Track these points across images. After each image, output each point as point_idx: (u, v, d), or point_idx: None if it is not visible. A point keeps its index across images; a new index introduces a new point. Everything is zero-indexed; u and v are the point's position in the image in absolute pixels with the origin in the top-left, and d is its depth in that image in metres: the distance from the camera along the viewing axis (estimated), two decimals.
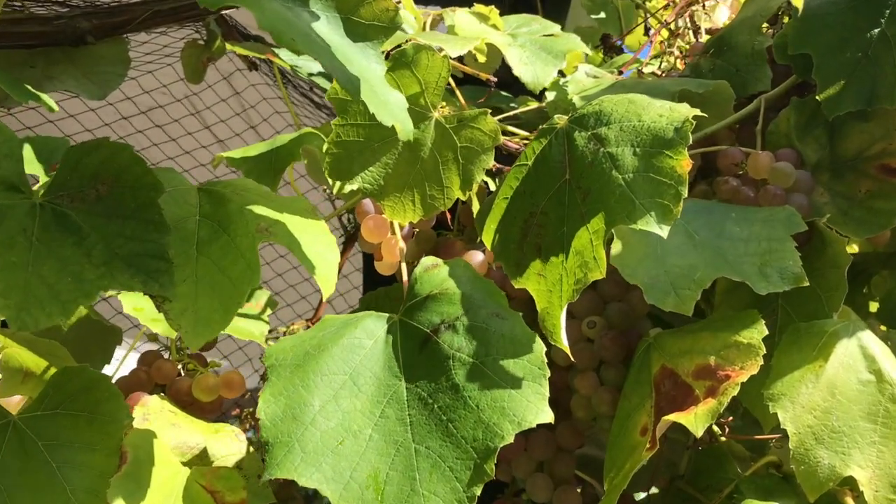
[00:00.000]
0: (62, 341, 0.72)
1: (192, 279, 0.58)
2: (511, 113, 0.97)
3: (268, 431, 0.57)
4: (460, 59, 0.93)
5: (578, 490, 0.77)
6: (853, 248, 0.92)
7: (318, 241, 0.64)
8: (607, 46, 1.25)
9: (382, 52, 0.61)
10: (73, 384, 0.61)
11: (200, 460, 0.67)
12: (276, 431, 0.57)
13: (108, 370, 0.81)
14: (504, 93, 1.11)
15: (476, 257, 0.75)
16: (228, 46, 1.01)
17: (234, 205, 0.63)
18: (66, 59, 0.95)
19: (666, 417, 0.61)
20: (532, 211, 0.66)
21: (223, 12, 1.00)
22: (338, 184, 0.72)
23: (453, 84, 0.85)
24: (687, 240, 0.69)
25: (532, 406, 0.57)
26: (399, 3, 0.92)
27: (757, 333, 0.63)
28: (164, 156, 1.76)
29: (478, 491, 0.55)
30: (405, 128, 0.59)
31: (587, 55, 1.05)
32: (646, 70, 1.06)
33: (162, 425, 0.66)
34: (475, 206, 0.81)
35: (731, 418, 0.80)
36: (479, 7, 0.96)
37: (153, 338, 0.78)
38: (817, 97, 0.77)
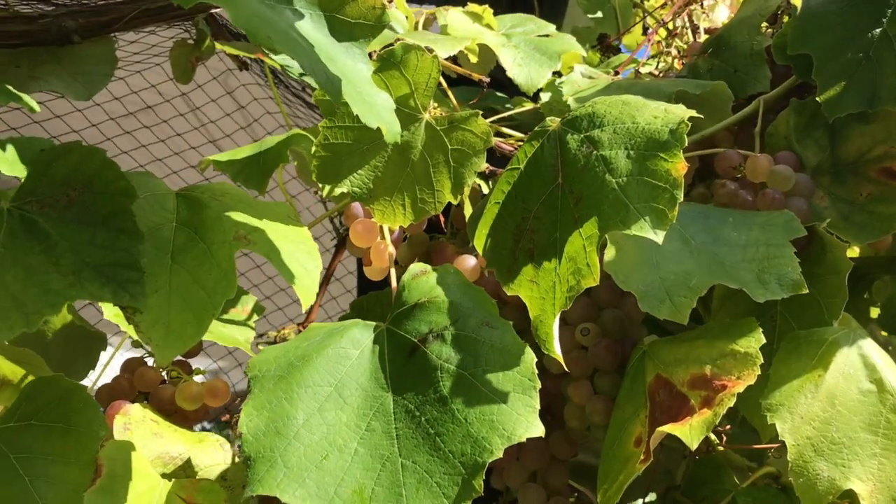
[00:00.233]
0: (46, 347, 0.70)
1: (164, 289, 0.56)
2: (506, 114, 0.95)
3: (250, 446, 0.55)
4: (454, 59, 0.91)
5: (572, 500, 0.75)
6: (854, 252, 0.90)
7: (298, 248, 0.61)
8: (604, 46, 1.23)
9: (370, 53, 0.59)
10: (47, 394, 0.59)
11: (184, 471, 0.66)
12: (258, 446, 0.55)
13: (93, 373, 0.79)
14: (499, 93, 1.09)
15: (468, 262, 0.74)
16: (218, 46, 1.00)
17: (212, 211, 0.61)
18: (51, 58, 0.93)
19: (660, 428, 0.59)
20: (524, 216, 0.64)
21: (212, 11, 0.98)
22: (326, 187, 0.71)
23: (445, 85, 0.83)
24: (683, 245, 0.67)
25: (522, 419, 0.55)
26: (390, 1, 0.90)
27: (754, 342, 0.61)
28: (154, 157, 1.74)
29: None
30: (391, 130, 0.57)
31: (584, 55, 1.03)
32: (643, 70, 1.04)
33: (143, 435, 0.64)
34: (467, 210, 0.80)
35: (728, 426, 0.78)
36: (472, 6, 0.95)
37: (137, 344, 0.77)
38: (817, 98, 0.75)
